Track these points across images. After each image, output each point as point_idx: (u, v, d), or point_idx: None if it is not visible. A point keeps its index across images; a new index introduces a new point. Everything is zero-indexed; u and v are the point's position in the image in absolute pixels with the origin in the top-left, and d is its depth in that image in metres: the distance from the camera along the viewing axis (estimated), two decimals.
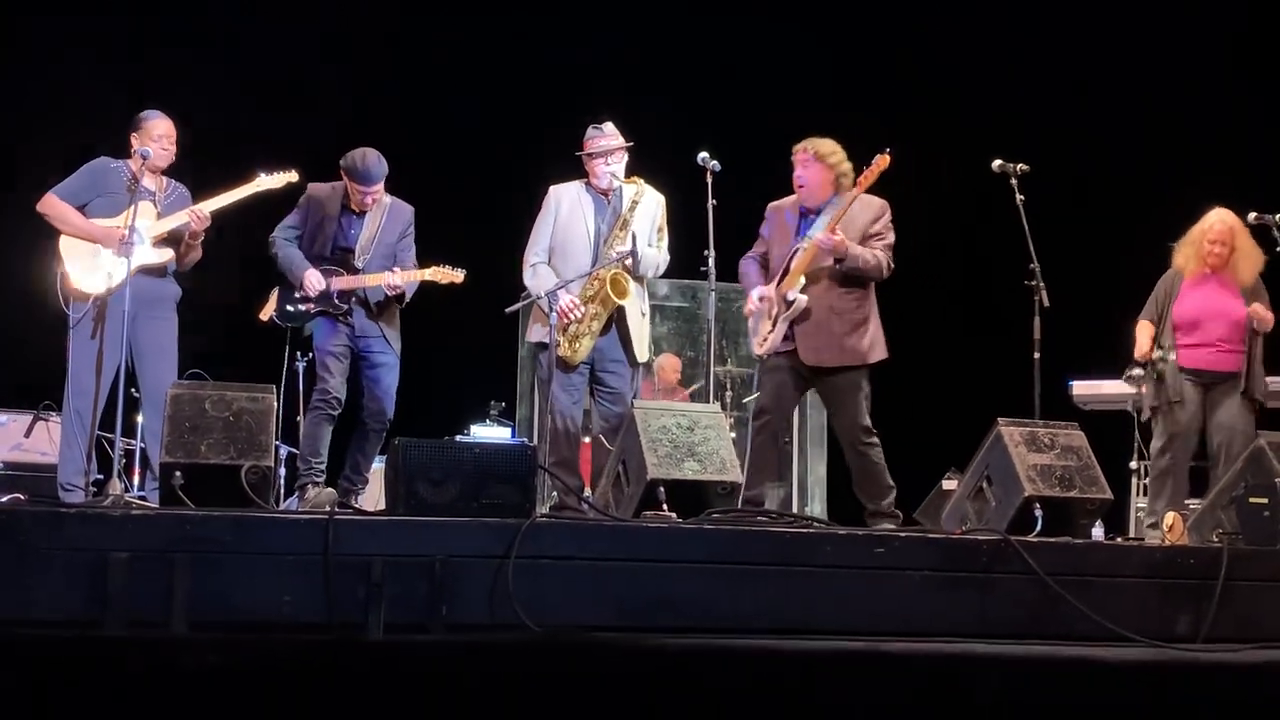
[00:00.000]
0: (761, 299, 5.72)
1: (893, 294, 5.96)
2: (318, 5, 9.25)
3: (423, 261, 6.10)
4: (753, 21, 9.86)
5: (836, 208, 5.70)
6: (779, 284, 5.71)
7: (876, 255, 5.66)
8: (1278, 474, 4.89)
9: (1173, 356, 6.16)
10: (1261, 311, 6.12)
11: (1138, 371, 6.27)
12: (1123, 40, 9.60)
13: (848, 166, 5.75)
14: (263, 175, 6.01)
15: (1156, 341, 6.23)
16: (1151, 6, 9.43)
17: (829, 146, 5.77)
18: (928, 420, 8.95)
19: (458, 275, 6.07)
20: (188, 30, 8.92)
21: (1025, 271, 5.92)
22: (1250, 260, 6.16)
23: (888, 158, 5.64)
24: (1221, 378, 6.10)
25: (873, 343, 5.67)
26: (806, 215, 5.79)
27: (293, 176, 6.06)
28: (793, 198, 5.86)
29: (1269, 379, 6.60)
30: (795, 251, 5.71)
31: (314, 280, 5.94)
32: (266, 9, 9.16)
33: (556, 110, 8.22)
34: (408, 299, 6.07)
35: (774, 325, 5.68)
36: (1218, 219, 6.22)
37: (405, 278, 5.94)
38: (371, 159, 5.91)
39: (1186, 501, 6.20)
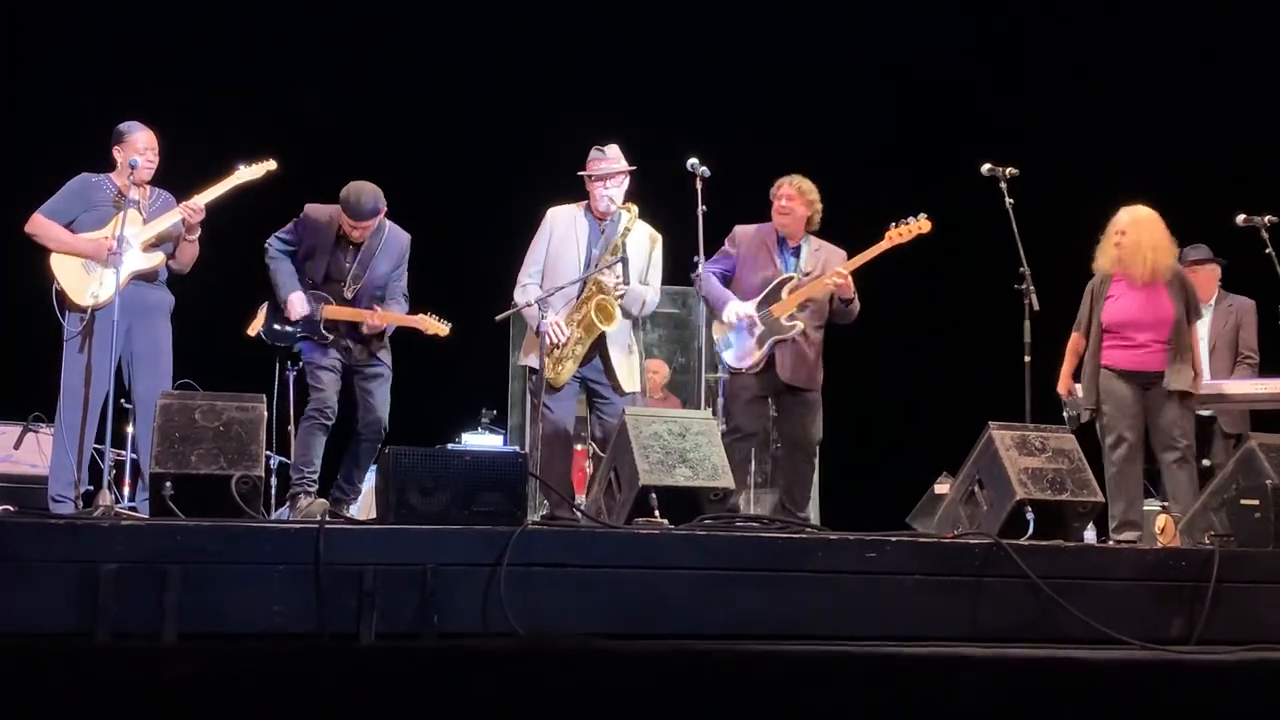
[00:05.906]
0: (741, 316, 6.00)
1: (885, 298, 5.98)
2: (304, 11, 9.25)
3: (415, 305, 6.07)
4: (740, 25, 9.88)
5: (846, 256, 6.02)
6: (761, 305, 6.03)
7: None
8: (1269, 475, 4.90)
9: (1068, 406, 6.21)
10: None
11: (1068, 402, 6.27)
12: (1113, 43, 9.63)
13: (820, 208, 6.11)
14: (242, 167, 5.95)
15: (1078, 371, 6.13)
16: (1139, 8, 9.47)
17: (811, 186, 6.12)
18: (920, 424, 8.97)
19: (443, 328, 6.07)
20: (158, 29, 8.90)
21: (1015, 275, 5.92)
22: (1157, 251, 6.00)
23: (929, 224, 5.90)
24: (1155, 378, 5.92)
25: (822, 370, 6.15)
26: (785, 246, 6.14)
27: (271, 165, 5.99)
28: (767, 225, 6.17)
29: (1226, 382, 6.59)
30: (785, 279, 6.04)
31: (297, 305, 5.88)
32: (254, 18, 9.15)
33: (553, 123, 8.24)
34: (388, 335, 6.02)
35: (759, 344, 6.00)
36: (1122, 212, 6.11)
37: (385, 319, 5.89)
38: (366, 195, 5.81)
39: (1161, 504, 6.19)
